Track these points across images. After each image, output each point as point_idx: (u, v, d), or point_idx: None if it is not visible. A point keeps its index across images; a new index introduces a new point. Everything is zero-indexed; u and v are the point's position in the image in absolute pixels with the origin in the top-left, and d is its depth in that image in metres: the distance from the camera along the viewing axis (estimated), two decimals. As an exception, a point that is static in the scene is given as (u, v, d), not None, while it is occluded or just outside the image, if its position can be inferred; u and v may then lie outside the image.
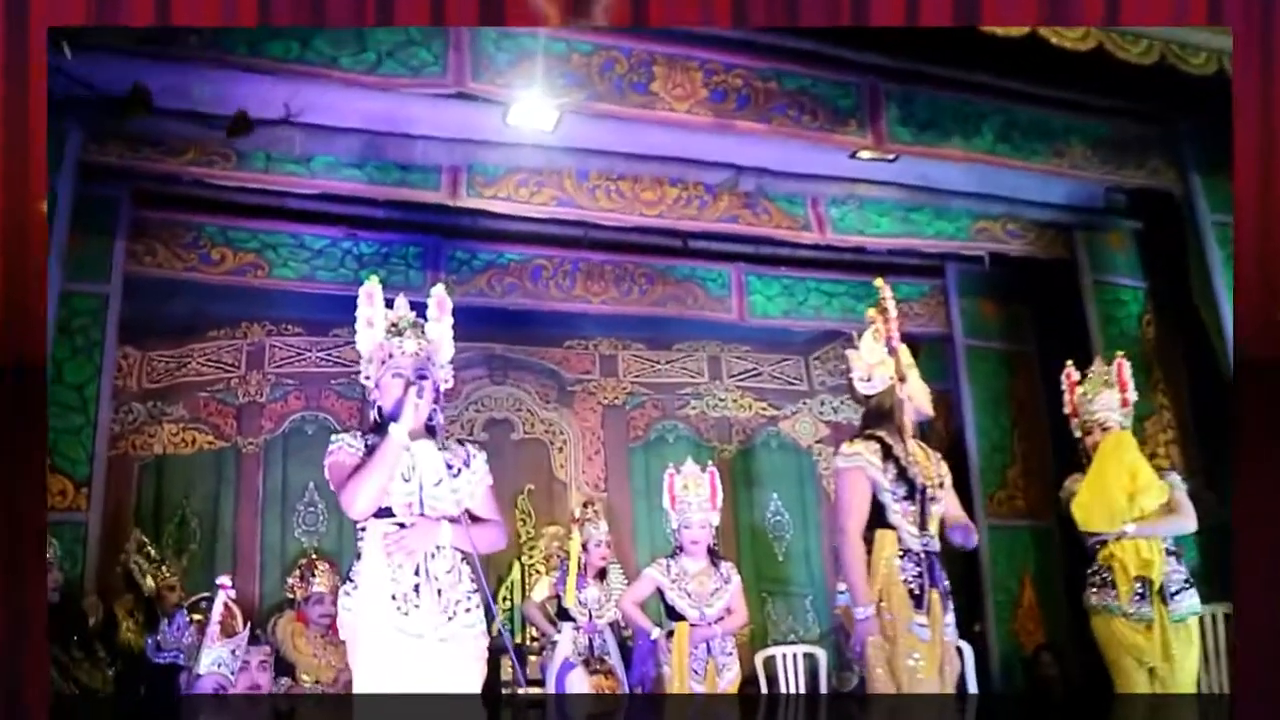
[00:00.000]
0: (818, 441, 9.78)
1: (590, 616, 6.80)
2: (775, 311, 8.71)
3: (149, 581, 6.54)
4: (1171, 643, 5.57)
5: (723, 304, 8.58)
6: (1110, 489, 5.71)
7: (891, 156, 6.98)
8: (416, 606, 3.66)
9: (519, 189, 7.20)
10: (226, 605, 4.71)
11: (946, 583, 4.74)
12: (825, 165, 7.34)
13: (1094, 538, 5.84)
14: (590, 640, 6.78)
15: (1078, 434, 6.10)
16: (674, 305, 8.46)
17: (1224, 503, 6.69)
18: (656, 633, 6.09)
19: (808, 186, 7.62)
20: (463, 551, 3.86)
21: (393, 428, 3.70)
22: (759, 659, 7.43)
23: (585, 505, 7.47)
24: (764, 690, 7.26)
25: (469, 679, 3.76)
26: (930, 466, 4.80)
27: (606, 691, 6.57)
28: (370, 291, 3.99)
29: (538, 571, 8.41)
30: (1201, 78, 6.15)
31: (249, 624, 4.99)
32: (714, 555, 6.26)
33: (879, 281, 5.08)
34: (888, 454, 4.67)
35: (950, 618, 4.69)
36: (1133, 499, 5.67)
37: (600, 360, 9.58)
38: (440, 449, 3.89)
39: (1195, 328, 7.31)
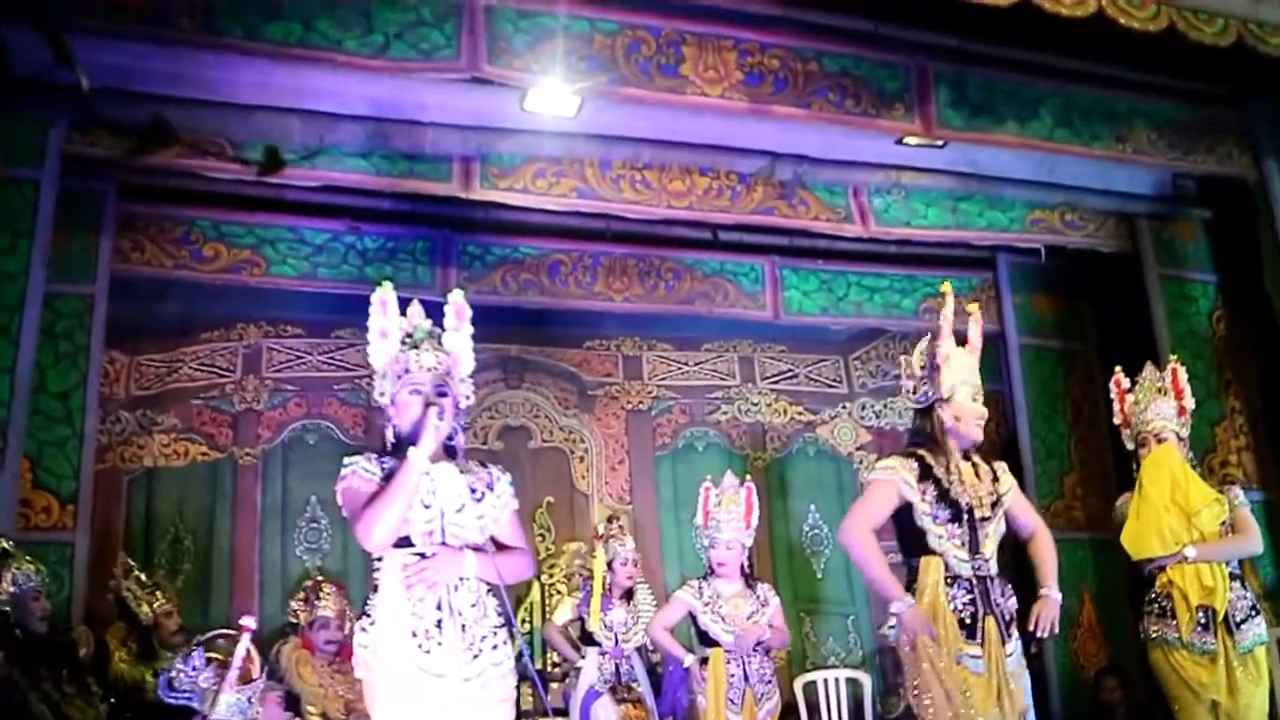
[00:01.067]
0: (858, 448, 9.76)
1: (616, 641, 6.79)
2: (812, 308, 8.67)
3: (145, 609, 6.52)
4: (1238, 676, 5.50)
5: (756, 300, 8.54)
6: (1158, 510, 5.63)
7: (940, 143, 6.94)
8: (439, 644, 3.62)
9: (537, 179, 7.17)
10: (248, 650, 4.67)
11: (1012, 603, 4.63)
12: (869, 152, 7.31)
13: (1152, 563, 5.77)
14: (617, 666, 6.78)
15: (1130, 446, 5.95)
16: (703, 302, 8.42)
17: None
18: (689, 660, 6.03)
19: (849, 175, 7.59)
20: (488, 583, 3.81)
21: (412, 452, 3.65)
22: (798, 685, 7.43)
23: (609, 520, 7.44)
24: (805, 720, 7.26)
25: (496, 722, 3.73)
26: (980, 485, 4.69)
27: (635, 721, 6.56)
28: (383, 299, 3.94)
29: (559, 592, 8.40)
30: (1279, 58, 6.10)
31: (264, 668, 4.95)
32: (749, 576, 6.22)
33: (972, 308, 4.98)
34: (926, 474, 4.59)
35: (1013, 645, 4.56)
36: (1189, 520, 5.59)
37: (624, 362, 9.58)
38: (462, 471, 3.86)
39: (1270, 324, 7.26)
